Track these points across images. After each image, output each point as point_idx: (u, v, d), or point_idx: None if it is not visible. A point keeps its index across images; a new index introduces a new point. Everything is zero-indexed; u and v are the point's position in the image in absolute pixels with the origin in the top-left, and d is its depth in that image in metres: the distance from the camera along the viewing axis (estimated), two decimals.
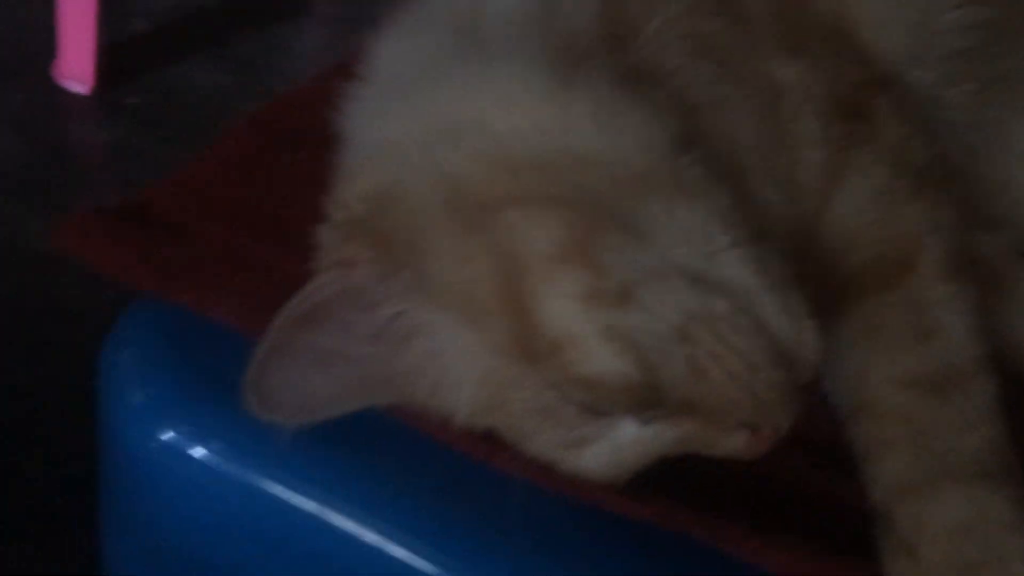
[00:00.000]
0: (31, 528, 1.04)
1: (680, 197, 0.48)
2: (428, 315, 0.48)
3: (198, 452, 0.52)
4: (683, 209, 0.47)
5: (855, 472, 0.54)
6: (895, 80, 0.63)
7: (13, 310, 1.28)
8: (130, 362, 0.53)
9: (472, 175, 0.47)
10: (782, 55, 0.57)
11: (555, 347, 0.45)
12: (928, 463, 0.50)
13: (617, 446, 0.48)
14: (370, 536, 0.50)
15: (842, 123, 0.57)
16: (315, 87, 0.64)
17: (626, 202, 0.47)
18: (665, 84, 0.53)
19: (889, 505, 0.51)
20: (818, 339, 0.48)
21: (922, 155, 0.59)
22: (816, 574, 0.50)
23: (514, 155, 0.47)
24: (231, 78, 1.79)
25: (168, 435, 0.52)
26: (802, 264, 0.55)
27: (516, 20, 0.53)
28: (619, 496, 0.50)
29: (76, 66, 1.63)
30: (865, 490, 0.52)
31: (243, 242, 0.58)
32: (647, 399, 0.46)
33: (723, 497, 0.52)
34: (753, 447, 0.47)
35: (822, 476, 0.55)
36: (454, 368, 0.48)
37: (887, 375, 0.53)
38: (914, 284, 0.55)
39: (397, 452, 0.52)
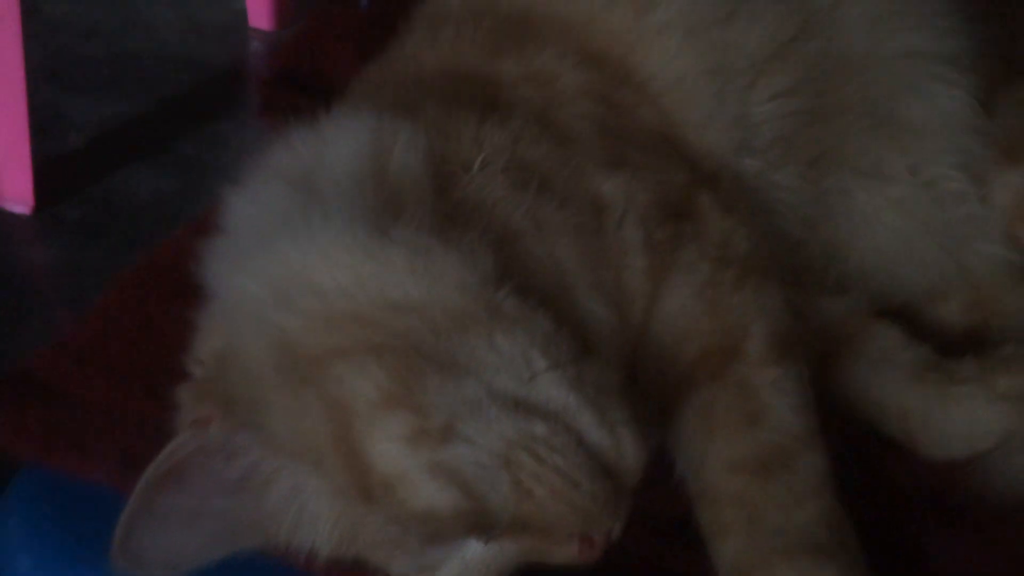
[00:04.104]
0: None
1: (498, 328, 0.53)
2: (278, 463, 0.53)
3: None
4: (502, 339, 0.53)
5: None
6: (725, 172, 0.69)
7: None
8: (16, 529, 0.58)
9: (300, 332, 0.53)
10: (603, 170, 0.63)
11: (387, 486, 0.50)
12: (761, 543, 0.55)
13: (465, 566, 0.53)
14: None
15: (666, 226, 0.63)
16: (192, 234, 0.69)
17: (445, 341, 0.52)
18: (484, 219, 0.58)
19: None
20: (638, 445, 0.53)
21: (746, 245, 0.65)
22: None
23: (338, 310, 0.53)
24: (173, 181, 1.84)
25: None
26: (640, 364, 0.60)
27: (345, 178, 0.59)
28: None
29: (15, 187, 1.69)
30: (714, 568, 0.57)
31: (119, 399, 0.63)
32: (480, 523, 0.51)
33: None
34: (587, 553, 0.52)
35: (679, 553, 0.59)
36: (308, 509, 0.53)
37: (720, 461, 0.58)
38: (741, 371, 0.60)
39: None
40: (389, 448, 0.50)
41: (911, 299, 0.78)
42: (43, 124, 1.76)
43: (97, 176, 1.79)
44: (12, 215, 1.70)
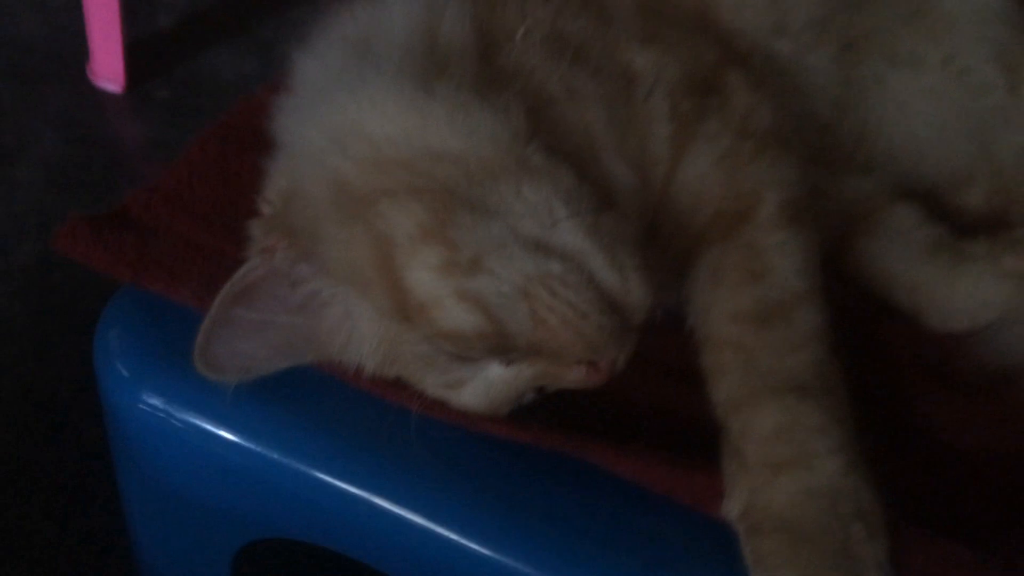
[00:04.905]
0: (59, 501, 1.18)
1: (526, 179, 0.61)
2: (333, 289, 0.62)
3: (171, 410, 0.67)
4: (528, 189, 0.60)
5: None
6: (757, 52, 0.74)
7: (58, 303, 1.45)
8: (115, 339, 0.69)
9: (353, 174, 0.61)
10: (637, 44, 0.69)
11: (422, 308, 0.59)
12: (753, 382, 0.63)
13: (488, 384, 0.62)
14: (297, 465, 0.65)
15: (693, 97, 0.69)
16: (268, 94, 0.77)
17: (477, 188, 0.60)
18: (521, 83, 0.65)
19: (725, 417, 0.63)
20: (645, 288, 0.61)
21: (768, 119, 0.70)
22: (663, 477, 0.62)
23: (385, 156, 0.61)
24: (254, 64, 1.92)
25: (148, 398, 0.68)
26: (660, 223, 0.67)
27: (398, 41, 0.66)
28: (501, 424, 0.64)
29: (107, 67, 1.79)
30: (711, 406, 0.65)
31: (202, 236, 0.73)
32: (500, 345, 0.60)
33: (594, 419, 0.65)
34: (593, 377, 0.60)
35: (680, 393, 0.67)
36: (357, 330, 0.63)
37: (724, 311, 0.65)
38: (750, 232, 0.66)
39: (323, 402, 0.66)
40: (424, 275, 0.58)
41: (936, 183, 0.83)
42: (135, 6, 1.86)
43: (184, 57, 1.89)
44: (105, 93, 1.81)
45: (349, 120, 0.62)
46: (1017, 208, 0.81)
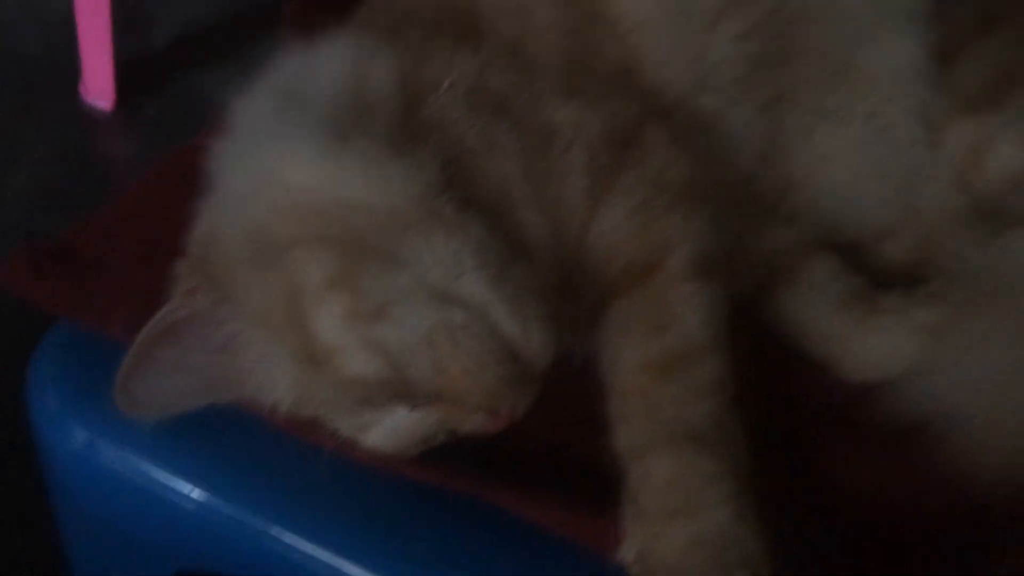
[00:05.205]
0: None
1: (435, 231, 0.63)
2: (249, 332, 0.65)
3: (99, 444, 0.70)
4: (438, 240, 0.63)
5: None
6: (681, 108, 0.77)
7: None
8: (47, 372, 0.72)
9: (269, 222, 0.64)
10: (558, 99, 0.72)
11: (327, 354, 0.62)
12: (652, 430, 0.65)
13: (395, 427, 0.65)
14: (216, 501, 0.69)
15: (612, 152, 0.71)
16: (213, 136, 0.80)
17: (387, 238, 0.63)
18: (441, 135, 0.68)
19: (626, 465, 0.66)
20: (546, 339, 0.63)
21: (684, 175, 0.73)
22: (566, 521, 0.65)
23: (300, 205, 0.64)
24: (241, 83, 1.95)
25: (76, 433, 0.71)
26: (577, 273, 0.70)
27: (324, 91, 0.69)
28: (410, 465, 0.66)
29: (98, 84, 1.82)
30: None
31: (138, 272, 0.75)
32: (403, 391, 0.63)
33: (505, 460, 0.68)
34: (493, 424, 0.63)
35: (591, 439, 0.69)
36: (272, 371, 0.65)
37: (630, 360, 0.68)
38: (659, 284, 0.69)
39: (244, 438, 0.69)
40: (329, 322, 0.61)
41: (860, 235, 0.85)
42: (130, 23, 1.88)
43: (174, 76, 1.91)
44: (95, 109, 1.83)
45: (268, 168, 0.65)
46: (938, 261, 0.83)
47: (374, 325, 0.61)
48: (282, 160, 0.65)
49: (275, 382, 0.65)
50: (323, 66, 0.71)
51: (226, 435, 0.70)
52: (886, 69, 0.82)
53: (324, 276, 0.62)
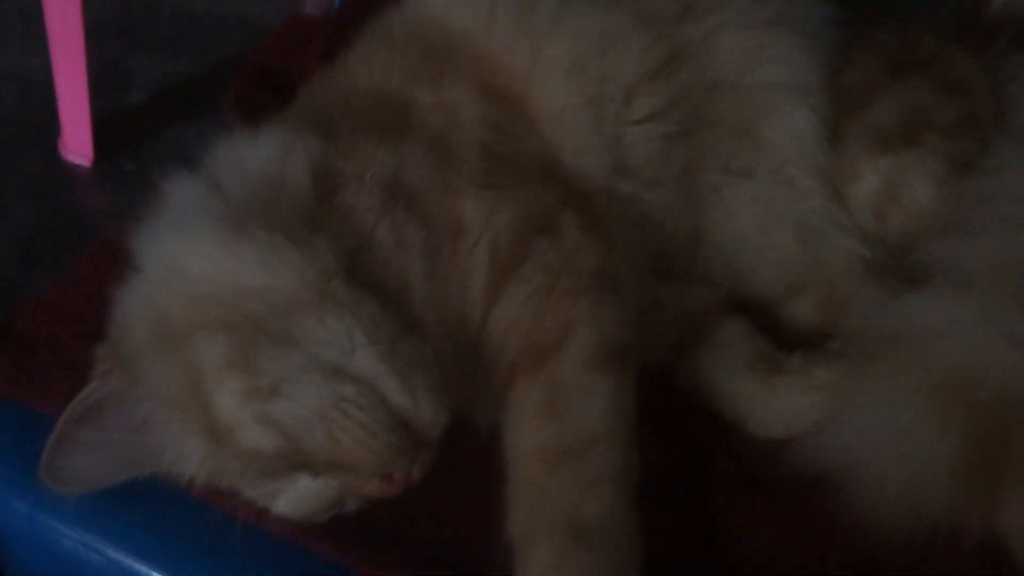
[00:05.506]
0: None
1: (329, 312, 0.68)
2: (160, 411, 0.70)
3: (36, 518, 0.75)
4: (331, 320, 0.67)
5: None
6: (599, 194, 0.81)
7: None
8: None
9: (172, 308, 0.69)
10: (473, 190, 0.76)
11: (228, 430, 0.66)
12: (537, 520, 0.68)
13: (299, 495, 0.69)
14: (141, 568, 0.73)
15: (519, 242, 0.75)
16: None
17: (281, 320, 0.67)
18: (350, 224, 0.72)
19: (514, 549, 0.69)
20: (435, 408, 0.67)
21: (594, 262, 0.76)
22: None
23: (200, 291, 0.69)
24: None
25: (15, 506, 0.75)
26: (480, 354, 0.74)
27: (242, 181, 0.74)
28: (317, 539, 0.71)
29: (76, 140, 1.86)
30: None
31: (77, 352, 0.79)
32: (302, 461, 0.67)
33: (404, 530, 0.72)
34: (388, 488, 0.68)
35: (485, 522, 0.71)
36: (184, 448, 0.70)
37: (524, 445, 0.71)
38: (557, 371, 0.72)
39: (168, 507, 0.73)
40: (228, 401, 0.66)
41: (771, 293, 0.89)
42: (108, 80, 1.92)
43: (152, 131, 1.93)
44: (74, 166, 1.86)
45: (174, 256, 0.70)
46: (845, 320, 0.87)
47: (268, 402, 0.66)
48: (185, 249, 0.70)
49: (188, 457, 0.70)
50: (251, 156, 0.76)
51: (153, 504, 0.73)
52: (786, 135, 0.87)
53: (221, 358, 0.66)
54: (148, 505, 0.74)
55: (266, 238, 0.69)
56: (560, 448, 0.69)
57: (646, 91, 0.83)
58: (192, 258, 0.69)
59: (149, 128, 1.95)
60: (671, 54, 0.85)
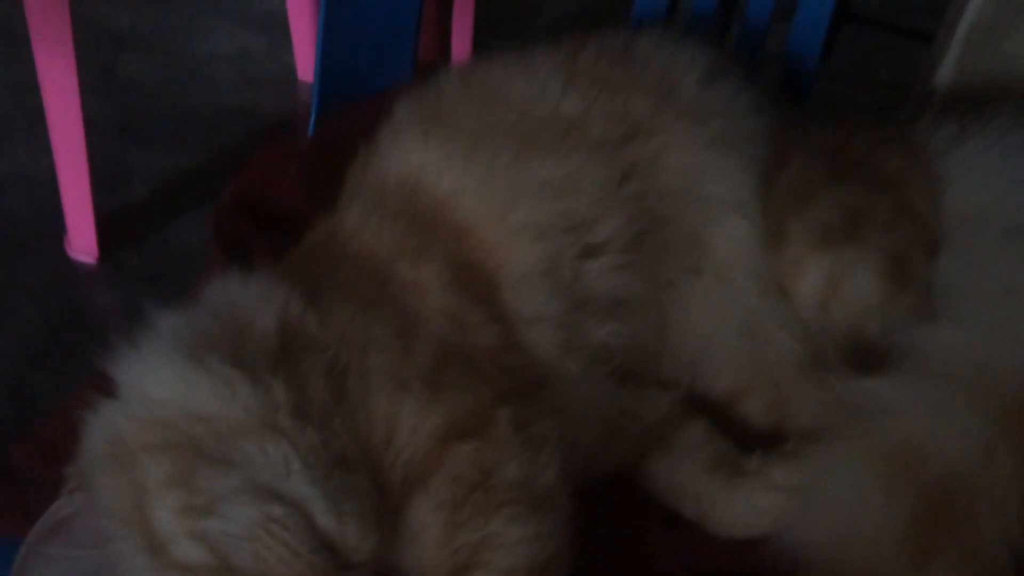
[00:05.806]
0: None
1: (270, 439, 0.72)
2: (113, 527, 0.73)
3: None
4: (271, 446, 0.72)
5: None
6: (546, 381, 0.84)
7: None
8: None
9: (127, 430, 0.74)
10: (417, 387, 0.78)
11: (163, 544, 0.70)
12: None
13: None
14: None
15: (440, 449, 0.77)
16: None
17: (223, 444, 0.72)
18: (297, 384, 0.75)
19: None
20: (362, 532, 0.70)
21: (518, 473, 0.76)
22: None
23: (155, 416, 0.74)
24: None
25: None
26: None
27: (215, 322, 0.79)
28: None
29: (81, 239, 1.90)
30: None
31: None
32: None
33: None
34: None
35: None
36: (133, 561, 0.72)
37: None
38: None
39: None
40: (164, 516, 0.70)
41: (724, 392, 0.92)
42: (111, 177, 1.97)
43: (155, 226, 1.97)
44: (78, 263, 1.90)
45: (136, 382, 0.76)
46: (792, 420, 0.90)
47: (202, 519, 0.69)
48: (147, 376, 0.75)
49: (137, 572, 0.73)
50: (234, 298, 0.81)
51: None
52: (726, 241, 0.92)
53: (163, 476, 0.71)
54: None
55: (223, 371, 0.74)
56: None
57: (604, 215, 0.88)
58: (152, 384, 0.75)
59: (152, 222, 1.99)
60: (623, 174, 0.89)
